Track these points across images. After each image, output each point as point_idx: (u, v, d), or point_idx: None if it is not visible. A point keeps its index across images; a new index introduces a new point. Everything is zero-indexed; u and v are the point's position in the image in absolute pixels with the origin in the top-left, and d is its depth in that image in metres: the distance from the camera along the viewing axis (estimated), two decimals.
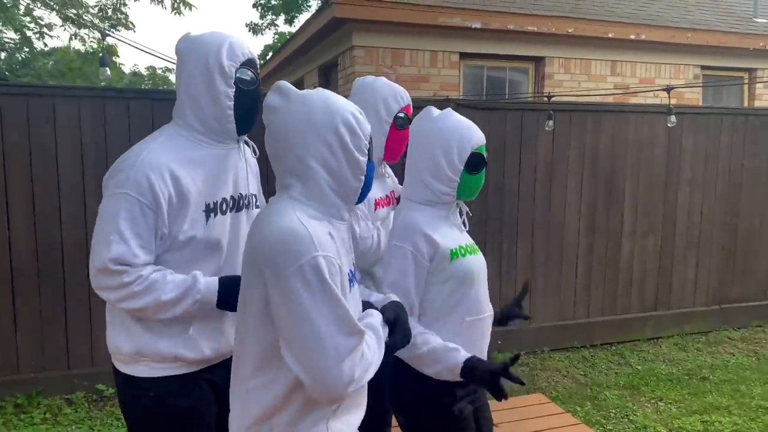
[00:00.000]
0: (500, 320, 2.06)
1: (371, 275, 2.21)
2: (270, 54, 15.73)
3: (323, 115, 1.34)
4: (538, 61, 7.17)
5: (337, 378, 1.23)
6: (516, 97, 7.01)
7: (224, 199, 1.74)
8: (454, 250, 1.80)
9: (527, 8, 6.91)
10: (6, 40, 14.84)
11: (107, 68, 3.79)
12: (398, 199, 2.28)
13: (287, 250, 1.24)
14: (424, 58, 6.57)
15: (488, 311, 1.93)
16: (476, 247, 1.97)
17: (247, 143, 1.87)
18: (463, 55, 6.78)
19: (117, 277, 1.56)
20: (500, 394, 1.72)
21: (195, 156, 1.68)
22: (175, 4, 8.66)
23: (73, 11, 8.58)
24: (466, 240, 1.91)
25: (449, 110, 1.92)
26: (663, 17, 7.62)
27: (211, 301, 1.64)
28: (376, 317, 1.42)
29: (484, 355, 1.92)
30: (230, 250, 1.75)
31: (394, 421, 2.27)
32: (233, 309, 1.52)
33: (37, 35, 9.55)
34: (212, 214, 1.70)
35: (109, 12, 9.37)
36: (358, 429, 1.46)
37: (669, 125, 4.63)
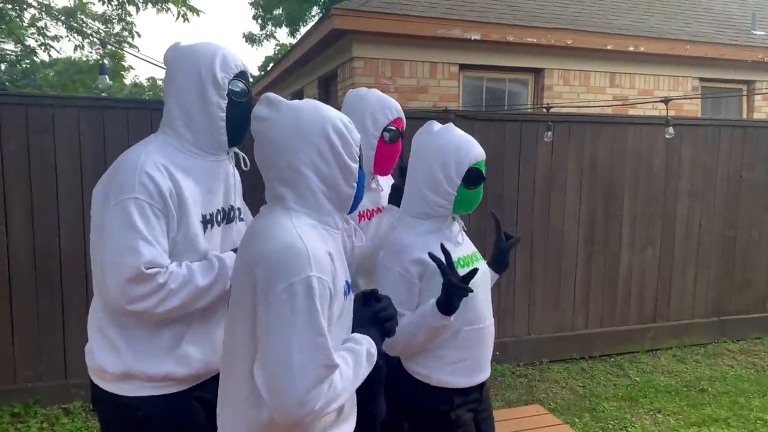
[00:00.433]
0: (498, 261, 2.10)
1: (355, 284, 2.22)
2: (270, 65, 15.80)
3: (313, 122, 1.35)
4: (538, 72, 7.20)
5: (299, 406, 1.19)
6: (515, 109, 7.03)
7: (218, 211, 1.73)
8: None
9: (527, 20, 6.95)
10: (8, 51, 14.93)
11: (106, 76, 3.81)
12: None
13: (283, 265, 1.23)
14: (423, 69, 6.60)
15: (488, 320, 1.93)
16: (477, 255, 1.98)
17: (236, 155, 1.84)
18: (463, 67, 6.81)
19: (152, 281, 1.51)
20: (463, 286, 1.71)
21: (187, 165, 1.66)
22: (182, 12, 8.70)
23: (79, 21, 8.63)
24: (463, 251, 1.91)
25: (450, 125, 1.94)
26: (662, 29, 7.66)
27: None
28: (363, 343, 1.38)
29: (485, 365, 1.93)
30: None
31: None
32: None
33: (42, 46, 9.58)
34: (209, 225, 1.69)
35: (115, 23, 9.41)
36: None
37: (667, 137, 4.65)
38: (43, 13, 8.57)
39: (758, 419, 3.94)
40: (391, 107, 2.24)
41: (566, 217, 4.93)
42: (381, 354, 2.15)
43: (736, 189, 5.41)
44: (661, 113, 6.27)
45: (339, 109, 2.30)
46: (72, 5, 8.56)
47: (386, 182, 2.42)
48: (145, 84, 29.21)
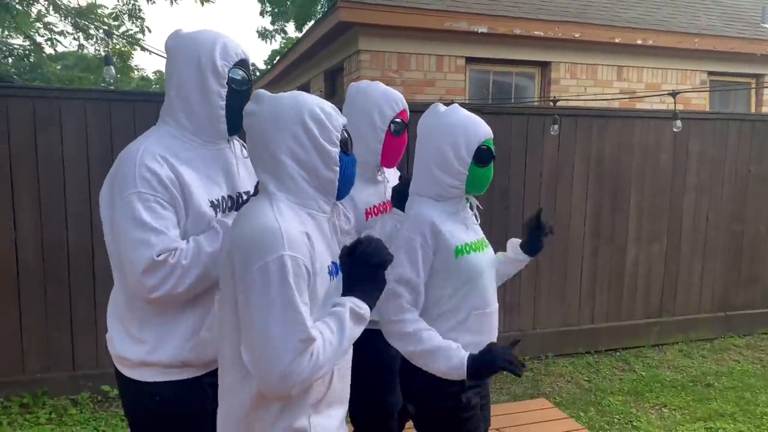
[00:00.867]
0: (531, 243, 2.08)
1: None
2: (277, 58, 15.78)
3: (290, 110, 1.38)
4: (544, 65, 7.17)
5: (282, 379, 1.25)
6: (522, 102, 7.01)
7: (223, 197, 1.73)
8: (459, 247, 1.82)
9: (533, 13, 6.91)
10: (15, 46, 14.95)
11: (112, 67, 3.81)
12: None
13: (257, 246, 1.28)
14: (429, 62, 6.58)
15: (494, 305, 1.95)
16: (485, 241, 1.98)
17: (237, 143, 1.85)
18: (469, 60, 6.78)
19: (164, 265, 1.53)
20: (518, 370, 1.79)
21: (187, 156, 1.66)
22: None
23: (87, 20, 8.62)
24: (473, 237, 1.92)
25: (455, 105, 1.94)
26: (670, 22, 7.61)
27: None
28: (345, 304, 1.40)
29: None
30: None
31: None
32: None
33: (48, 41, 9.60)
34: (218, 210, 1.70)
35: (125, 17, 9.40)
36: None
37: (675, 130, 4.62)
38: (50, 9, 8.58)
39: (765, 414, 3.93)
40: (397, 100, 2.23)
41: (572, 211, 4.91)
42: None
43: (744, 183, 5.38)
44: (668, 107, 6.24)
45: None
46: (81, 5, 8.57)
47: (392, 175, 2.42)
48: (152, 77, 29.22)
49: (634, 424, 3.79)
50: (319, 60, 8.19)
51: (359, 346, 1.53)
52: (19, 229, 3.75)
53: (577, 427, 3.14)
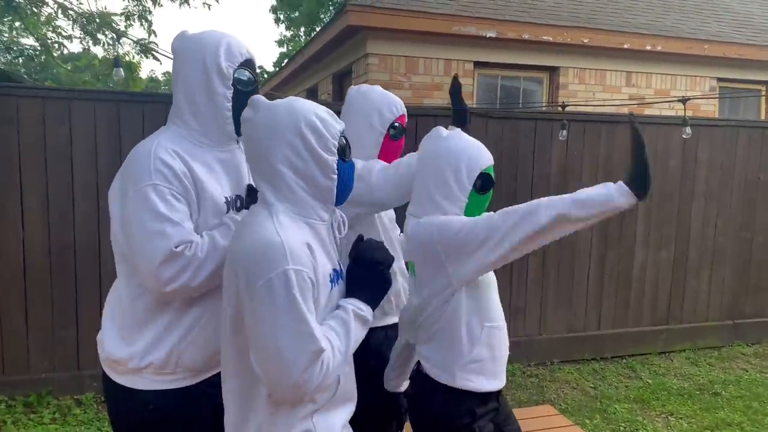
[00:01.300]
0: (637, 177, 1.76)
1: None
2: (285, 61, 15.85)
3: (286, 118, 1.37)
4: (553, 70, 7.15)
5: (294, 389, 1.28)
6: (530, 107, 6.99)
7: (234, 197, 1.72)
8: None
9: (542, 18, 6.90)
10: (26, 46, 15.06)
11: (121, 69, 3.83)
12: None
13: (260, 261, 1.27)
14: (438, 66, 6.58)
15: (503, 322, 1.92)
16: None
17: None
18: (478, 64, 6.78)
19: (181, 257, 1.51)
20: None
21: (198, 153, 1.65)
22: (204, 2, 8.71)
23: (95, 25, 8.65)
24: None
25: (458, 130, 1.93)
26: (679, 28, 7.58)
27: None
28: (347, 308, 1.41)
29: (503, 369, 1.91)
30: None
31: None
32: None
33: (56, 44, 9.65)
34: (229, 208, 1.70)
35: (134, 19, 9.43)
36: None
37: (684, 136, 4.59)
38: (59, 12, 8.61)
39: None
40: (396, 104, 2.22)
41: None
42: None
43: (753, 191, 5.34)
44: (677, 113, 6.20)
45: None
46: (93, 13, 8.60)
47: None
48: (161, 78, 29.40)
49: None
50: (328, 63, 8.20)
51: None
52: (27, 228, 3.77)
53: None
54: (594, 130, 4.87)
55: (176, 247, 1.51)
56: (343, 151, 1.44)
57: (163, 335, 1.62)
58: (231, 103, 1.68)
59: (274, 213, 1.35)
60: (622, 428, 3.82)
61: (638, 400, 4.24)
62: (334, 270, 1.44)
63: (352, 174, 1.51)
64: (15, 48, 15.37)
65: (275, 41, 20.57)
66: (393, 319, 2.23)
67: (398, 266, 2.25)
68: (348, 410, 1.51)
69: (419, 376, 1.90)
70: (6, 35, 15.01)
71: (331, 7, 17.90)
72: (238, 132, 1.73)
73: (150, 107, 3.89)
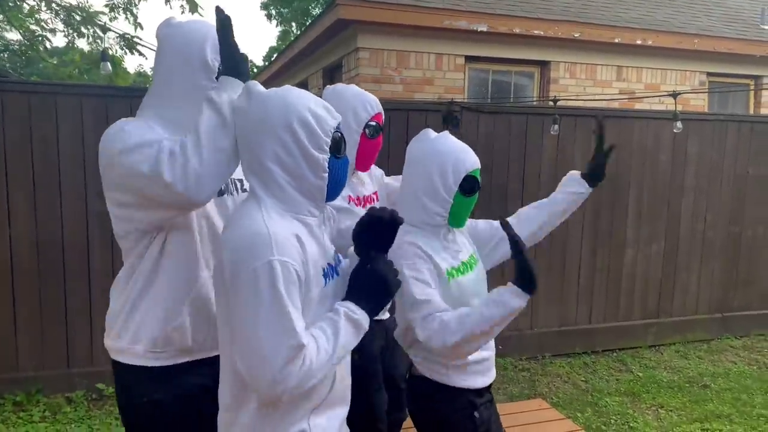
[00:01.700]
0: (594, 171, 2.19)
1: None
2: (274, 56, 15.76)
3: (278, 114, 1.33)
4: (544, 65, 7.15)
5: (272, 385, 1.23)
6: (521, 101, 6.99)
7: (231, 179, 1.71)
8: (449, 271, 1.81)
9: (533, 12, 6.89)
10: (10, 41, 14.86)
11: (108, 63, 3.79)
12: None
13: (245, 251, 1.25)
14: (429, 60, 6.56)
15: None
16: (474, 258, 1.95)
17: None
18: (469, 59, 6.76)
19: (174, 156, 1.49)
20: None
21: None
22: (181, 5, 8.64)
23: (78, 17, 8.55)
24: (460, 259, 1.89)
25: (446, 133, 1.93)
26: (670, 23, 7.60)
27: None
28: (339, 311, 1.36)
29: (493, 365, 1.94)
30: (213, 233, 1.68)
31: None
32: None
33: (40, 38, 9.54)
34: (226, 192, 1.69)
35: (120, 12, 9.33)
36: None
37: (675, 131, 4.61)
38: (41, 4, 8.49)
39: (761, 416, 3.93)
40: (372, 102, 2.21)
41: None
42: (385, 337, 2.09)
43: (742, 185, 5.37)
44: (667, 108, 6.23)
45: None
46: (74, 5, 8.50)
47: (366, 176, 2.40)
48: (149, 73, 29.15)
49: (631, 424, 3.79)
50: (318, 57, 8.16)
51: None
52: (14, 225, 3.72)
53: (575, 428, 3.13)
54: (585, 124, 4.88)
55: (169, 155, 1.46)
56: (338, 148, 1.39)
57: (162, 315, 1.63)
58: None
59: (263, 205, 1.33)
60: (613, 421, 3.84)
61: (629, 393, 4.27)
62: (329, 265, 1.41)
63: (346, 171, 1.47)
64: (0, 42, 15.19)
65: (271, 45, 20.45)
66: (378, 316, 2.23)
67: None
68: (344, 411, 1.49)
69: (415, 378, 1.91)
70: None
71: (321, 1, 17.86)
72: None
73: (138, 102, 3.76)
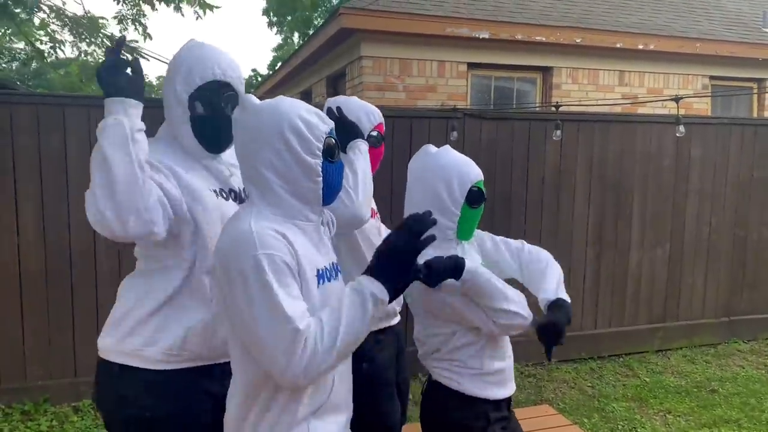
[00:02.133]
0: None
1: None
2: (278, 64, 15.84)
3: (270, 122, 1.37)
4: (546, 71, 7.17)
5: (283, 374, 1.25)
6: (523, 107, 7.01)
7: (221, 189, 1.75)
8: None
9: (535, 18, 6.92)
10: (18, 51, 14.98)
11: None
12: None
13: (232, 252, 1.30)
14: (431, 68, 6.59)
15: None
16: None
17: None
18: (471, 65, 6.79)
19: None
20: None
21: (179, 161, 1.72)
22: (196, 11, 8.67)
23: (85, 29, 8.59)
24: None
25: (447, 147, 1.96)
26: (671, 27, 7.62)
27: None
28: (346, 290, 1.34)
29: (512, 377, 2.02)
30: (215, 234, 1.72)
31: None
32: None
33: (50, 48, 9.60)
34: (219, 196, 1.73)
35: (129, 22, 9.38)
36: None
37: (678, 135, 4.61)
38: (53, 17, 8.55)
39: None
40: (374, 113, 2.25)
41: (575, 216, 4.90)
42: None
43: (746, 188, 5.36)
44: (670, 112, 6.23)
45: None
46: (80, 16, 8.54)
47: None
48: (155, 83, 29.29)
49: (639, 430, 3.77)
50: (321, 66, 8.21)
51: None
52: (22, 234, 3.75)
53: None
54: (588, 129, 4.89)
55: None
56: (331, 153, 1.42)
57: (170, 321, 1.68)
58: (192, 127, 1.72)
59: (254, 210, 1.37)
60: (620, 427, 3.83)
61: (636, 398, 4.25)
62: (325, 267, 1.43)
63: (341, 175, 1.50)
64: (7, 53, 15.31)
65: (272, 49, 20.54)
66: (383, 324, 2.24)
67: None
68: (345, 416, 1.50)
69: (431, 384, 1.92)
70: None
71: (321, 8, 17.94)
72: (214, 150, 1.76)
73: (145, 112, 3.87)
